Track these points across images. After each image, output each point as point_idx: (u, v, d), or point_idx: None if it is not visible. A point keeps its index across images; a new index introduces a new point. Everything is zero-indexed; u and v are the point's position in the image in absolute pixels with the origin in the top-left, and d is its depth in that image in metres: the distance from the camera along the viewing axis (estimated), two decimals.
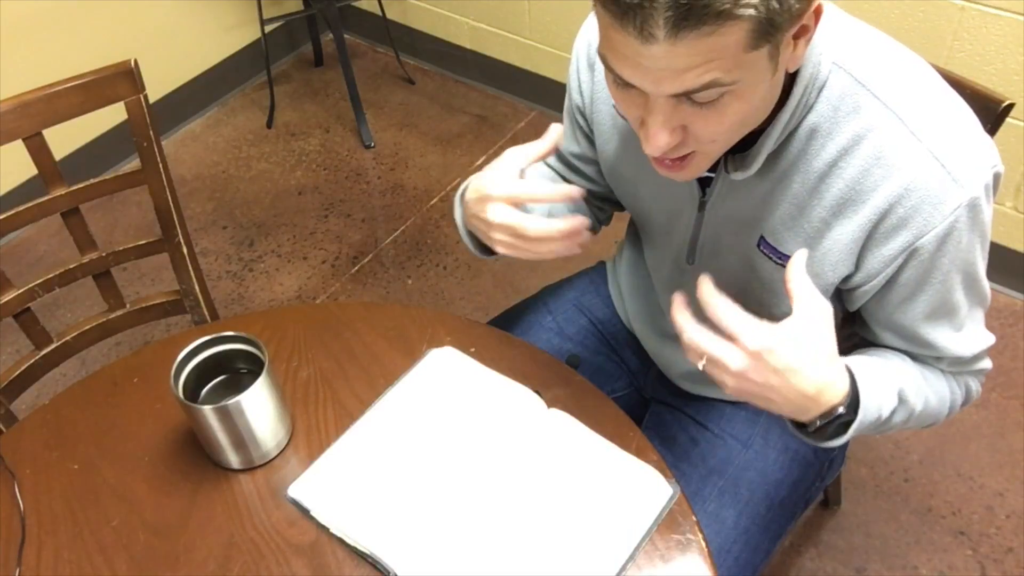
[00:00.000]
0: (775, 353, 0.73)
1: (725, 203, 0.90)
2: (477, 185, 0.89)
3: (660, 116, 0.71)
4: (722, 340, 0.74)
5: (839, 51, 0.78)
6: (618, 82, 0.72)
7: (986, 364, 0.95)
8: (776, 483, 1.05)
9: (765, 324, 0.74)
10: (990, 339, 0.93)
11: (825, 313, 0.76)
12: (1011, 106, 0.93)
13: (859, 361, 0.85)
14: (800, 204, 0.83)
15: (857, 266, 0.84)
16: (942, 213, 0.77)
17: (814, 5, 0.68)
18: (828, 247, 0.84)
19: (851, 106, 0.78)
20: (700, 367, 0.76)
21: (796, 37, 0.69)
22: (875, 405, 0.82)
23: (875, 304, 0.89)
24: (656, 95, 0.69)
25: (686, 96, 0.69)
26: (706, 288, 0.76)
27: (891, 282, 0.84)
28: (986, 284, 0.89)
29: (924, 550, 1.59)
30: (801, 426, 0.83)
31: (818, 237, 0.84)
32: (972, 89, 0.94)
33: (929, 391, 0.91)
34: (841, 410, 0.79)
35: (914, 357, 0.93)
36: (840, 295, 0.92)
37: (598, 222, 1.16)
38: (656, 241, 1.05)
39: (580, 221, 0.84)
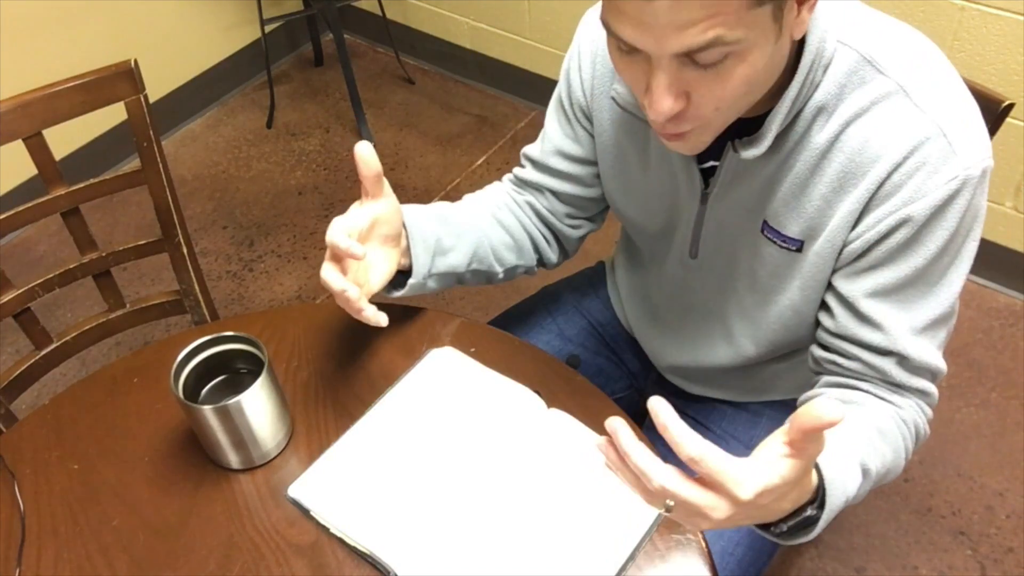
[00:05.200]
0: (767, 493, 0.63)
1: (729, 191, 0.89)
2: None
3: (664, 79, 0.70)
4: (702, 490, 0.63)
5: (845, 29, 0.78)
6: (622, 48, 0.72)
7: (932, 389, 0.88)
8: None
9: (745, 464, 0.62)
10: (943, 364, 0.86)
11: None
12: (1011, 106, 0.93)
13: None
14: (801, 183, 0.83)
15: (853, 228, 0.82)
16: (937, 182, 0.76)
17: None
18: (828, 223, 0.83)
19: (857, 82, 0.78)
20: (664, 512, 0.65)
21: (800, 2, 0.69)
22: (841, 491, 0.73)
23: (842, 267, 0.85)
24: (660, 55, 0.69)
25: (689, 58, 0.68)
26: (673, 425, 0.60)
27: (869, 249, 0.81)
28: (956, 301, 0.84)
29: (924, 550, 1.59)
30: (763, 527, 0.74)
31: (818, 215, 0.83)
32: (972, 89, 0.93)
33: (886, 448, 0.82)
34: (809, 511, 0.71)
35: (859, 357, 0.86)
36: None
37: (560, 250, 1.11)
38: (656, 241, 1.04)
39: (371, 310, 0.86)
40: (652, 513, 0.86)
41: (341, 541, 0.87)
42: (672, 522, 0.86)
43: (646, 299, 1.15)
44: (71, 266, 1.27)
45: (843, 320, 0.86)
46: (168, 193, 1.27)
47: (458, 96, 2.71)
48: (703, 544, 0.85)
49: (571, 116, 1.00)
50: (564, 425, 0.94)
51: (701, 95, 0.71)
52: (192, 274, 1.36)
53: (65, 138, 2.28)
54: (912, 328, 0.84)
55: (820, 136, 0.80)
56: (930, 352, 0.85)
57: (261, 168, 2.52)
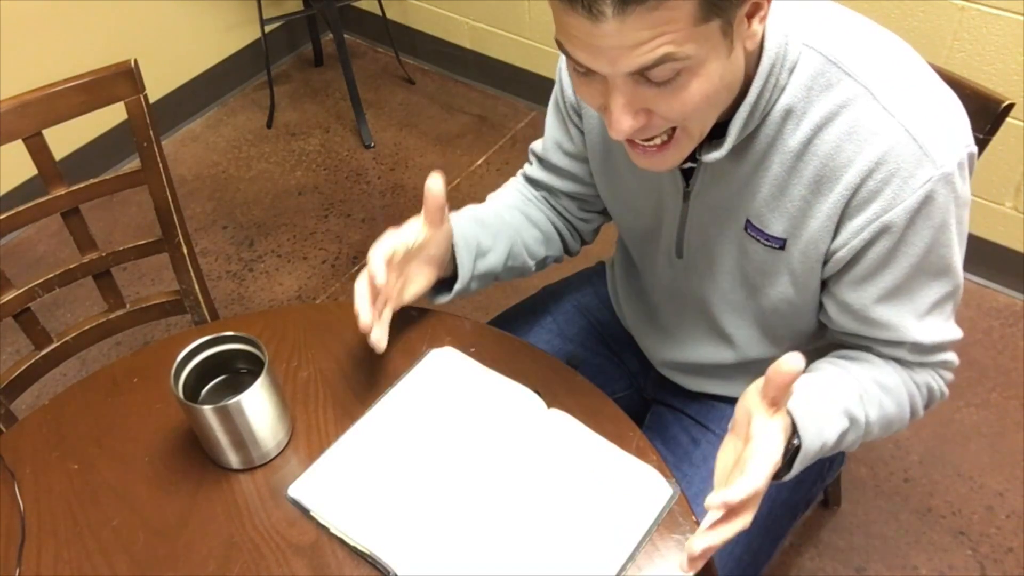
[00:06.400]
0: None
1: (709, 191, 0.90)
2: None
3: (621, 99, 0.72)
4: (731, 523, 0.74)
5: (810, 32, 0.78)
6: (578, 70, 0.73)
7: (949, 357, 0.92)
8: (777, 485, 1.04)
9: (762, 467, 0.73)
10: (956, 333, 0.89)
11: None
12: (1011, 106, 0.93)
13: (802, 392, 0.82)
14: (780, 184, 0.84)
15: (835, 236, 0.84)
16: (912, 187, 0.77)
17: None
18: (810, 223, 0.84)
19: (824, 84, 0.78)
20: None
21: (749, 16, 0.70)
22: (816, 433, 0.80)
23: (836, 279, 0.87)
24: (613, 76, 0.70)
25: (643, 76, 0.70)
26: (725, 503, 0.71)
27: (857, 257, 0.83)
28: (959, 274, 0.86)
29: (924, 550, 1.59)
30: None
31: (800, 215, 0.84)
32: (972, 89, 0.94)
33: (886, 398, 0.88)
34: (795, 441, 0.79)
35: (870, 347, 0.90)
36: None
37: (580, 240, 1.16)
38: (644, 240, 1.05)
39: (377, 334, 0.91)
40: (652, 513, 0.87)
41: (341, 541, 0.87)
42: (672, 522, 0.86)
43: (642, 298, 1.16)
44: (71, 266, 1.27)
45: (850, 325, 0.89)
46: (168, 193, 1.27)
47: (458, 96, 2.71)
48: None
49: (564, 115, 1.02)
50: (564, 425, 0.94)
51: (661, 110, 0.73)
52: (192, 274, 1.36)
53: (65, 138, 2.28)
54: (917, 315, 0.86)
55: (792, 140, 0.81)
56: (939, 328, 0.87)
57: (261, 168, 2.52)
